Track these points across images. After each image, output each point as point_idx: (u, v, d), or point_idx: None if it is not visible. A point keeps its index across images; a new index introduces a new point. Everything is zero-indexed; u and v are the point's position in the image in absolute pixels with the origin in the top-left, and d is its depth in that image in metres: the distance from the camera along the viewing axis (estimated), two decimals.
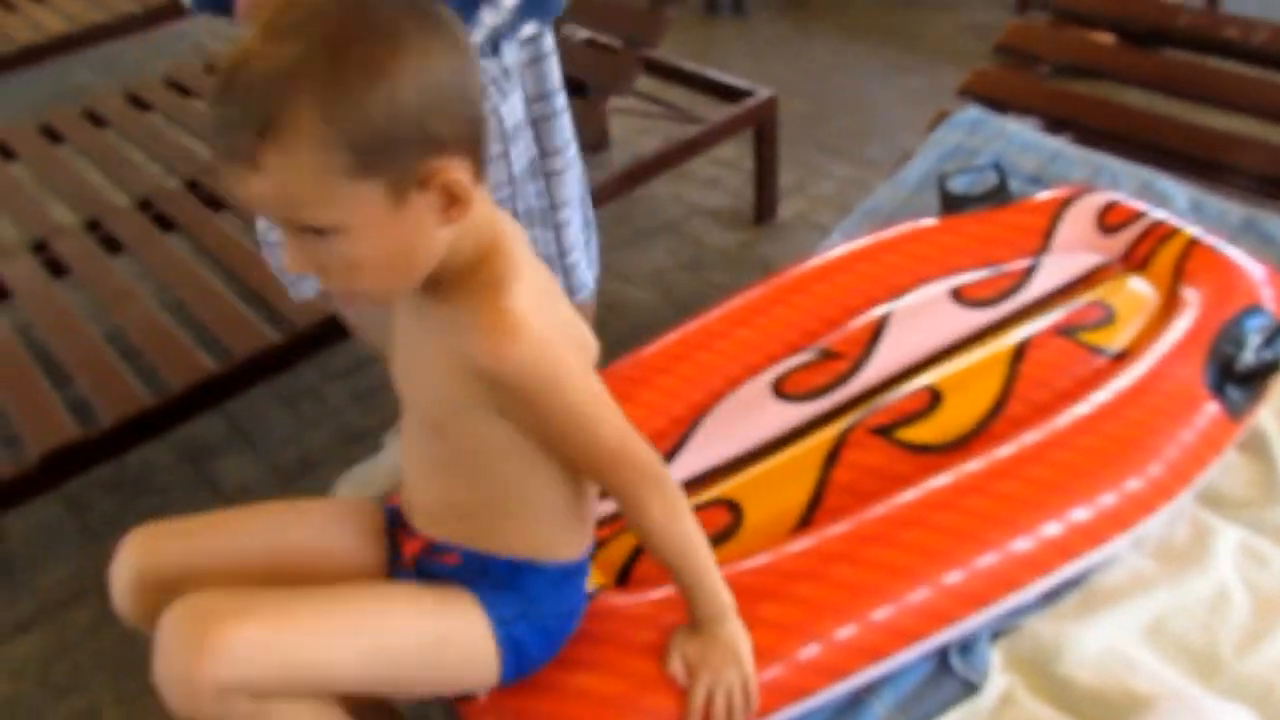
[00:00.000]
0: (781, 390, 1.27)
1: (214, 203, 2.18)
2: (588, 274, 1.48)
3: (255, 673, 0.80)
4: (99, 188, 2.31)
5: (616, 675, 0.95)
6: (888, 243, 1.45)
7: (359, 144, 0.70)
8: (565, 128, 1.39)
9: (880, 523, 1.07)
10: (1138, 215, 1.45)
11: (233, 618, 0.80)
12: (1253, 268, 1.34)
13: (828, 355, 1.30)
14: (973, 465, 1.11)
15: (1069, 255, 1.44)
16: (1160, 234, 1.41)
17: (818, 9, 3.61)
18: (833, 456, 1.19)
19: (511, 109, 1.28)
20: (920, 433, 1.20)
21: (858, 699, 1.03)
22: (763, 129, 2.33)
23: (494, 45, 1.24)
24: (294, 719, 0.84)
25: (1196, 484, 1.16)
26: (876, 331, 1.32)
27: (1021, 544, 1.06)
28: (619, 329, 1.99)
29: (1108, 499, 1.10)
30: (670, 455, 1.22)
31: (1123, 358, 1.26)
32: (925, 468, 1.14)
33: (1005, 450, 1.13)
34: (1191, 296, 1.31)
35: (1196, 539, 1.15)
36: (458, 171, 0.75)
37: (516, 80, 1.29)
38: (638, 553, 1.11)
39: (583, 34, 2.34)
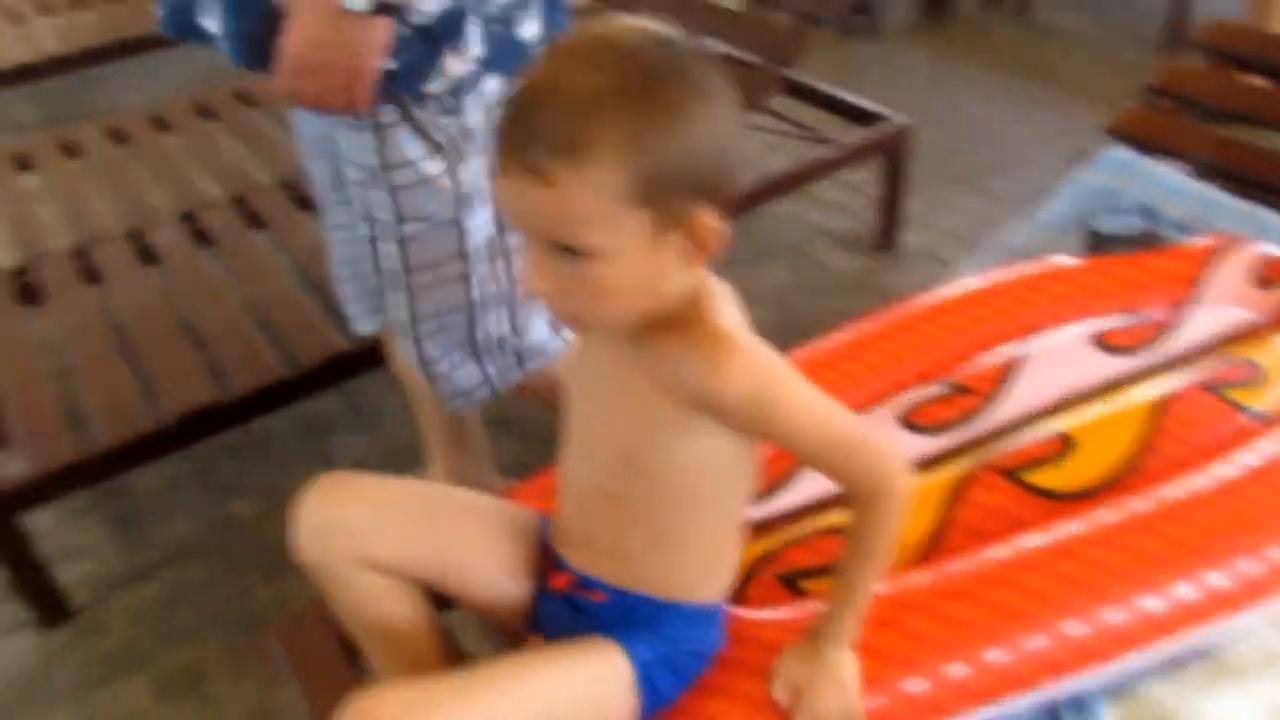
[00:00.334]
0: (910, 421, 1.25)
1: None
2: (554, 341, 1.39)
3: None
4: (246, 165, 2.41)
5: (721, 696, 0.95)
6: (1027, 279, 1.41)
7: (649, 176, 0.74)
8: None
9: (1003, 564, 1.04)
10: None
11: None
12: None
13: (959, 390, 1.28)
14: (1106, 516, 1.08)
15: (1218, 308, 1.38)
16: None
17: (956, 35, 3.54)
18: (957, 493, 1.17)
19: (471, 173, 1.17)
20: (1048, 478, 1.18)
21: None
22: (895, 156, 2.29)
23: (455, 101, 1.13)
24: None
25: None
26: (1012, 369, 1.29)
27: (1151, 602, 1.02)
28: None
29: (1246, 566, 1.05)
30: (794, 475, 1.21)
31: (1272, 421, 1.21)
32: (1049, 514, 1.11)
33: (1141, 504, 1.09)
34: None
35: None
36: (713, 220, 0.79)
37: (478, 143, 1.17)
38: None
39: (720, 49, 2.34)
